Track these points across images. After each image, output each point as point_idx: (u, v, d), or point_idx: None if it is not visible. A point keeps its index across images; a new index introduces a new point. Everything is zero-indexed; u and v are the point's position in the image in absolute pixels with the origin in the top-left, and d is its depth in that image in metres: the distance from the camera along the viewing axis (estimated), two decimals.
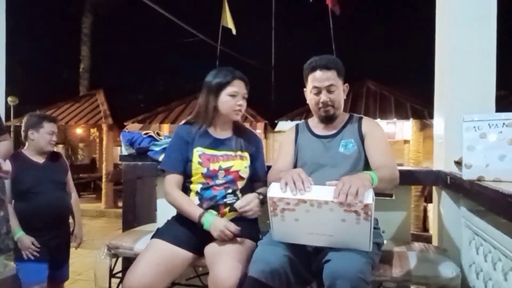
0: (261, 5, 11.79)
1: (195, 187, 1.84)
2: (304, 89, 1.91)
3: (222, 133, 1.91)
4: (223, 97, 1.83)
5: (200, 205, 1.81)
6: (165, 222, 1.93)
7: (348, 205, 1.38)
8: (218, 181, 1.81)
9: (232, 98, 1.83)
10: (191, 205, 1.79)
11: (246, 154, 1.90)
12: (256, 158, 1.95)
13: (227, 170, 1.82)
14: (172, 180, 1.85)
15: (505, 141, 1.52)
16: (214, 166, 1.81)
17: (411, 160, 7.16)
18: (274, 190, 1.48)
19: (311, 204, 1.44)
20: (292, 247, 1.57)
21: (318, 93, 1.81)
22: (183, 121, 2.46)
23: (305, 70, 1.86)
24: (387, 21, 13.76)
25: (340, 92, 1.84)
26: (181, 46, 12.47)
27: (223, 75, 1.84)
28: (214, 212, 1.79)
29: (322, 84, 1.79)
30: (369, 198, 1.38)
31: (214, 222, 1.70)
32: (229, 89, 1.83)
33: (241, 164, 1.85)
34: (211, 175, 1.81)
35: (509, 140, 1.52)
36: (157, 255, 1.70)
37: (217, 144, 1.87)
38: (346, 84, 1.88)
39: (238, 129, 1.95)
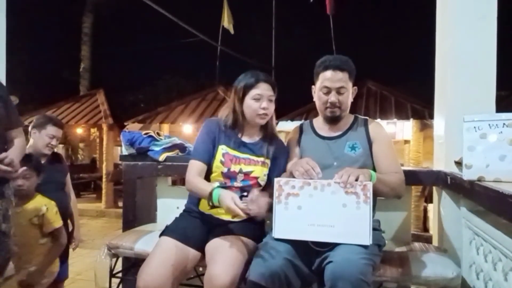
0: (262, 5, 11.80)
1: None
2: (313, 86, 1.90)
3: (249, 137, 1.89)
4: (247, 101, 1.80)
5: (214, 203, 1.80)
6: (174, 220, 1.92)
7: (349, 184, 1.52)
8: (235, 183, 1.81)
9: (256, 102, 1.78)
10: (204, 184, 1.73)
11: (268, 162, 1.88)
12: (275, 164, 1.89)
13: (246, 175, 1.81)
14: (195, 166, 1.80)
15: (505, 142, 1.52)
16: (235, 168, 1.80)
17: (411, 160, 7.16)
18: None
19: (314, 187, 1.57)
20: (292, 249, 1.56)
21: (328, 93, 1.81)
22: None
23: (317, 68, 1.84)
24: (388, 21, 13.75)
25: (349, 95, 1.84)
26: (181, 46, 12.47)
27: (248, 78, 1.81)
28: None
29: (333, 85, 1.79)
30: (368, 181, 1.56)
31: (221, 197, 1.59)
32: (252, 92, 1.79)
33: (261, 171, 1.84)
34: (230, 176, 1.80)
35: (509, 140, 1.52)
36: (169, 253, 1.69)
37: (241, 146, 1.85)
38: (355, 87, 1.89)
39: (266, 136, 1.90)
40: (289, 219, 1.58)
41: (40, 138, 2.44)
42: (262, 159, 1.85)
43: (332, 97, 1.80)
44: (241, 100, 1.81)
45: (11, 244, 1.82)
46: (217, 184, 1.72)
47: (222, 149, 1.83)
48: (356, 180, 1.55)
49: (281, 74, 11.41)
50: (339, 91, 1.79)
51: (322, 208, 1.55)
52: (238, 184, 1.81)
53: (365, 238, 1.50)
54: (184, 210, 1.94)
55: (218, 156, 1.81)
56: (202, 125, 1.93)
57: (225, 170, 1.80)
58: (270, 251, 1.55)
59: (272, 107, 1.83)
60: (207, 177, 1.82)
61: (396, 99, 7.59)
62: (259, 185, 1.83)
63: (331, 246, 1.53)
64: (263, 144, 1.88)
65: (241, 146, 1.85)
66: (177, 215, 1.95)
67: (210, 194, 1.63)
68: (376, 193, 1.68)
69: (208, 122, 1.92)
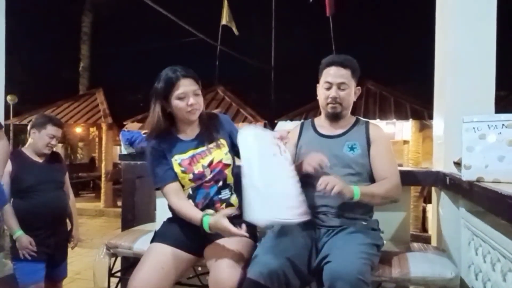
0: (261, 5, 11.79)
1: (186, 191, 1.81)
2: (317, 85, 1.92)
3: (191, 132, 1.83)
4: (173, 102, 1.73)
5: (195, 206, 1.77)
6: (162, 224, 1.91)
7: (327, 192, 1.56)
8: (207, 178, 1.78)
9: (181, 101, 1.72)
10: (192, 211, 1.72)
11: (222, 140, 1.83)
12: (234, 135, 1.85)
13: (210, 165, 1.78)
14: (169, 191, 1.77)
15: (504, 142, 1.52)
16: (198, 168, 1.77)
17: (411, 160, 7.16)
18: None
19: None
20: (291, 248, 1.57)
21: (329, 88, 1.83)
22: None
23: (321, 65, 1.88)
24: (387, 21, 13.76)
25: (351, 93, 1.85)
26: (181, 46, 12.45)
27: (167, 78, 1.72)
28: (211, 211, 1.75)
29: (335, 80, 1.81)
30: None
31: (213, 225, 1.62)
32: (176, 93, 1.71)
33: (221, 153, 1.80)
34: (198, 177, 1.77)
35: (508, 141, 1.51)
36: (159, 258, 1.68)
37: (190, 145, 1.81)
38: (359, 88, 1.90)
39: (204, 122, 1.85)
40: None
41: (40, 138, 2.43)
42: (214, 143, 1.81)
43: (333, 92, 1.81)
44: (167, 102, 1.74)
45: (5, 246, 1.82)
46: (203, 213, 1.69)
47: (175, 160, 1.78)
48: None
49: (281, 74, 11.42)
50: (340, 87, 1.81)
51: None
52: (209, 177, 1.77)
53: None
54: (173, 214, 1.90)
55: (177, 169, 1.77)
56: (146, 154, 1.86)
57: (191, 176, 1.77)
58: (269, 250, 1.56)
59: (200, 100, 1.76)
60: None
61: (396, 99, 7.59)
62: (227, 165, 1.80)
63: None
64: (206, 130, 1.83)
65: (189, 145, 1.81)
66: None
67: (201, 224, 1.65)
68: (370, 205, 1.71)
69: (148, 145, 1.84)
